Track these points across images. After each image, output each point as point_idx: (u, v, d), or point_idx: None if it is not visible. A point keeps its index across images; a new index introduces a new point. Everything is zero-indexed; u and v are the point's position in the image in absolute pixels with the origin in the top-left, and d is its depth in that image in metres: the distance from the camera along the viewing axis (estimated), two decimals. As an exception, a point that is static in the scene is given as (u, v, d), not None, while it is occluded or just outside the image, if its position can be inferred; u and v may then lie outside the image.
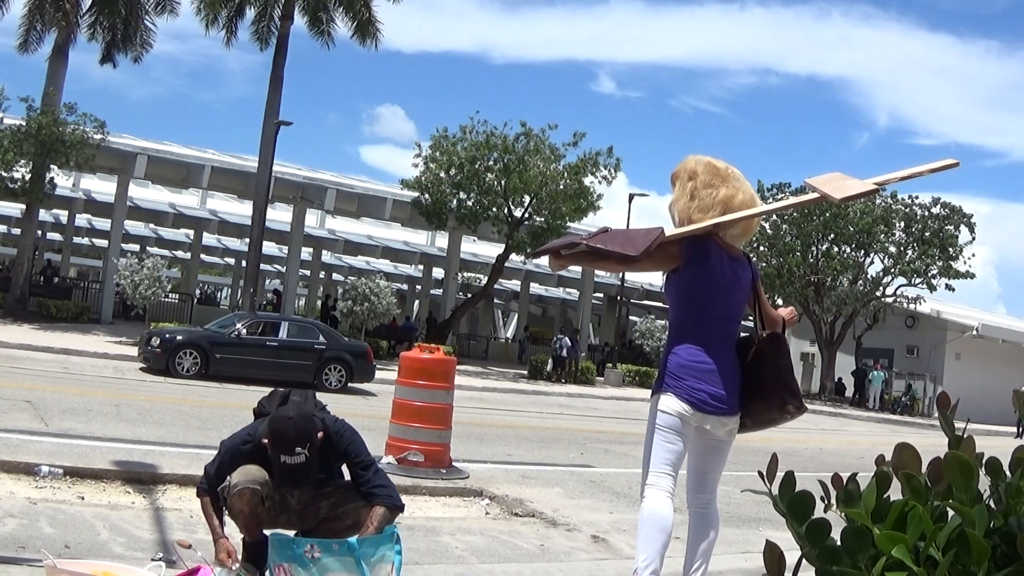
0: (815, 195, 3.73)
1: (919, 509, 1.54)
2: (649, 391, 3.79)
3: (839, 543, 1.62)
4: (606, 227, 3.56)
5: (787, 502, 1.70)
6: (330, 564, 3.46)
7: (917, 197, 33.63)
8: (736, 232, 3.71)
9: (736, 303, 3.72)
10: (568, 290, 46.61)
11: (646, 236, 3.45)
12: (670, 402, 3.56)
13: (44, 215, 34.57)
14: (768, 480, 1.79)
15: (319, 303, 34.82)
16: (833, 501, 1.73)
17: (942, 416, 1.75)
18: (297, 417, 3.73)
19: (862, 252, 33.92)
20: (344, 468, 3.99)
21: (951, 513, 1.61)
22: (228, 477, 3.79)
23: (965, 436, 1.70)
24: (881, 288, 34.17)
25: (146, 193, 34.43)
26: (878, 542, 1.51)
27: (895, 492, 1.68)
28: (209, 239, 41.34)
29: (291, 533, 3.85)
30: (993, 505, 1.60)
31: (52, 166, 23.81)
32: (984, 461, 1.67)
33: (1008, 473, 1.63)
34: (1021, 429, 26.37)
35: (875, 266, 34.40)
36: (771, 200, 29.36)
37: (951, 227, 33.23)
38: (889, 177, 3.70)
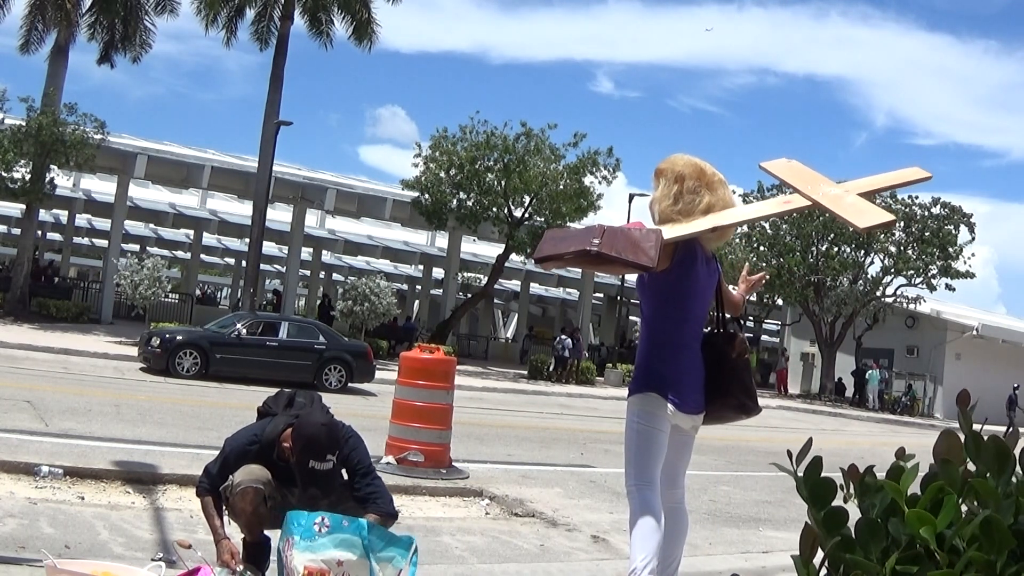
0: (806, 203, 3.68)
1: (953, 497, 1.56)
2: None
3: (853, 534, 1.64)
4: (602, 225, 3.41)
5: (810, 486, 1.72)
6: (335, 541, 3.41)
7: (917, 197, 33.56)
8: (714, 235, 3.71)
9: (707, 302, 3.78)
10: (568, 290, 46.59)
11: (653, 241, 3.35)
12: (650, 402, 3.59)
13: (44, 215, 34.55)
14: (796, 462, 1.81)
15: (318, 303, 34.78)
16: (852, 492, 1.75)
17: (961, 413, 1.77)
18: (329, 424, 3.70)
19: (862, 252, 33.89)
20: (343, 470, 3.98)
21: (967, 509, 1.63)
22: (230, 477, 3.78)
23: (1009, 431, 1.73)
24: (881, 288, 34.15)
25: (146, 193, 34.42)
26: (907, 519, 1.54)
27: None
28: (209, 239, 41.32)
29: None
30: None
31: (52, 166, 23.76)
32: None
33: (1020, 469, 1.64)
34: None
35: (875, 266, 34.42)
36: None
37: (951, 227, 33.19)
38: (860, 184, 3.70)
